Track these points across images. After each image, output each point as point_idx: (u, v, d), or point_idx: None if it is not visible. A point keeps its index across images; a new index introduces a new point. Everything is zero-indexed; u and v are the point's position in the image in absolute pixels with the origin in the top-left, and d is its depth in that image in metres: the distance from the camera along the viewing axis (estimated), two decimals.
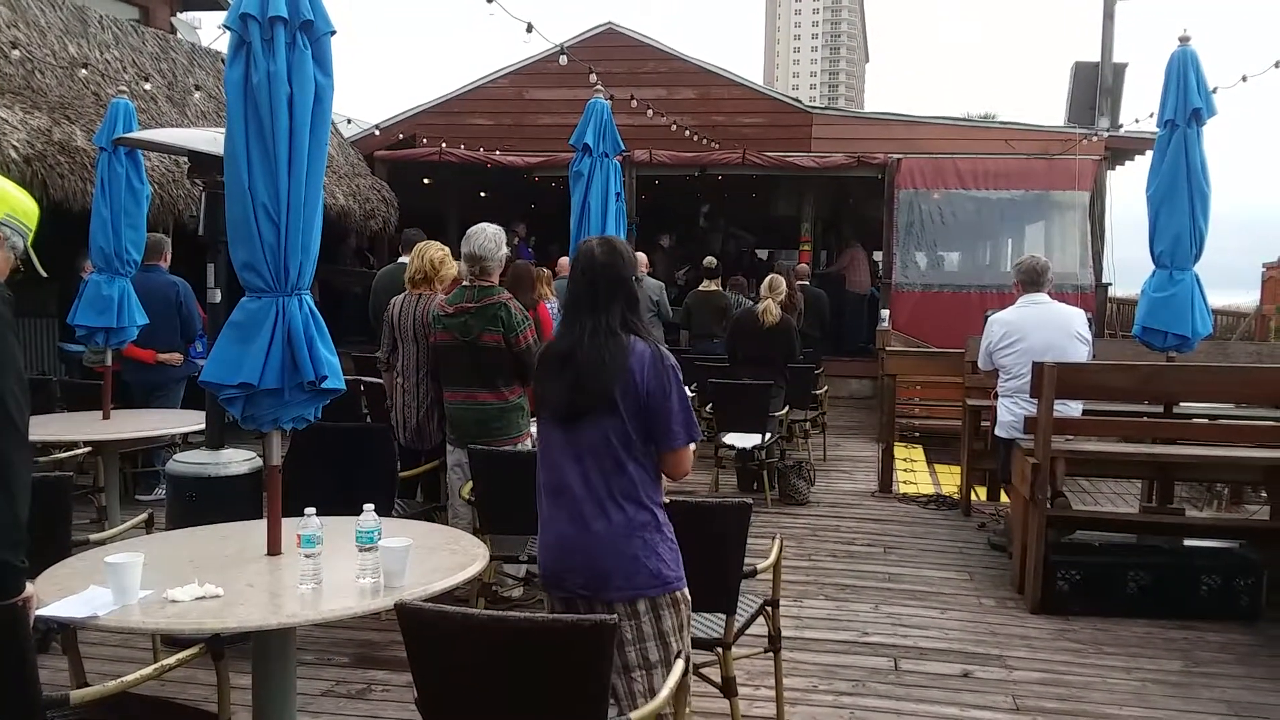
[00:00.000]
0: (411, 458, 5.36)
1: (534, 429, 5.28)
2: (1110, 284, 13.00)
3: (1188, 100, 5.61)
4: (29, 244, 2.47)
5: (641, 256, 9.73)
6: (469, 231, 4.90)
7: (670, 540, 2.76)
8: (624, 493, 2.68)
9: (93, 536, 3.91)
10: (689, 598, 2.79)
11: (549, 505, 2.78)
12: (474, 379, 4.87)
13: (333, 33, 3.08)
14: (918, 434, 10.23)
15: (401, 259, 7.24)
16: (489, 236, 4.85)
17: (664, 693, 2.54)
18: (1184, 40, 5.72)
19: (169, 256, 7.30)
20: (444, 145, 13.59)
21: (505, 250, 4.97)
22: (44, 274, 2.51)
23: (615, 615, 2.44)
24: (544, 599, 2.89)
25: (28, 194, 2.51)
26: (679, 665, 2.65)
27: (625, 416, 2.65)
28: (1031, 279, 5.87)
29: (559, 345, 2.79)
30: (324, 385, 3.09)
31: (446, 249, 5.48)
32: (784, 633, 3.94)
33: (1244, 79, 8.44)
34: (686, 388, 3.53)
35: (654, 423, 2.68)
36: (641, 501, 2.69)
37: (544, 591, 2.87)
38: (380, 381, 6.32)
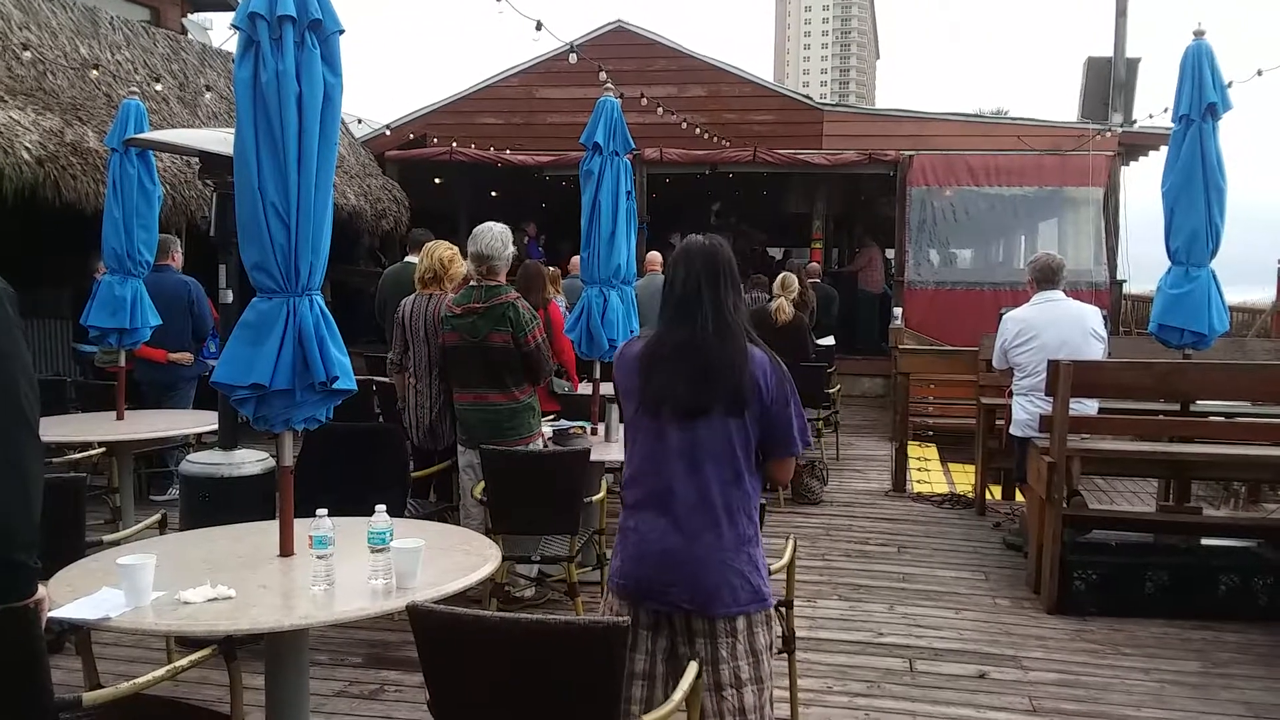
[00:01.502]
0: (425, 458, 5.36)
1: (547, 429, 5.29)
2: (1125, 280, 12.93)
3: (1203, 95, 5.56)
4: None
5: (654, 254, 9.72)
6: (476, 231, 4.88)
7: (764, 556, 2.66)
8: (738, 505, 2.56)
9: (106, 537, 3.91)
10: (774, 616, 2.70)
11: (647, 514, 2.59)
12: (483, 379, 4.86)
13: (341, 32, 3.07)
14: (931, 433, 10.18)
15: (408, 258, 7.25)
16: (496, 235, 4.83)
17: (677, 695, 2.51)
18: (1199, 34, 5.67)
19: (179, 256, 7.32)
20: (454, 145, 13.61)
21: (512, 249, 4.95)
22: None
23: (628, 619, 2.42)
24: (618, 608, 2.64)
25: None
26: (692, 666, 2.63)
27: (749, 423, 2.54)
28: (1046, 276, 5.83)
29: (674, 337, 2.58)
30: (335, 386, 3.08)
31: (455, 248, 5.48)
32: (798, 633, 3.92)
33: (1259, 73, 8.37)
34: None
35: (775, 430, 2.57)
36: (750, 515, 2.60)
37: (623, 601, 2.64)
38: (391, 381, 6.33)
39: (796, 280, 8.16)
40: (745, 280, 11.01)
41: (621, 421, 3.60)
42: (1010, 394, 6.00)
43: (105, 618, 2.50)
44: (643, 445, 2.62)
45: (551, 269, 8.12)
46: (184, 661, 2.71)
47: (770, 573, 3.53)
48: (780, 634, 3.74)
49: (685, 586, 2.54)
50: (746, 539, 2.58)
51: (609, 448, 5.41)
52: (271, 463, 4.36)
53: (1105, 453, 5.64)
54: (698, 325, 2.56)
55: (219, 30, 17.99)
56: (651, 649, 2.62)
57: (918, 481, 8.31)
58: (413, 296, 5.33)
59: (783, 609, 3.73)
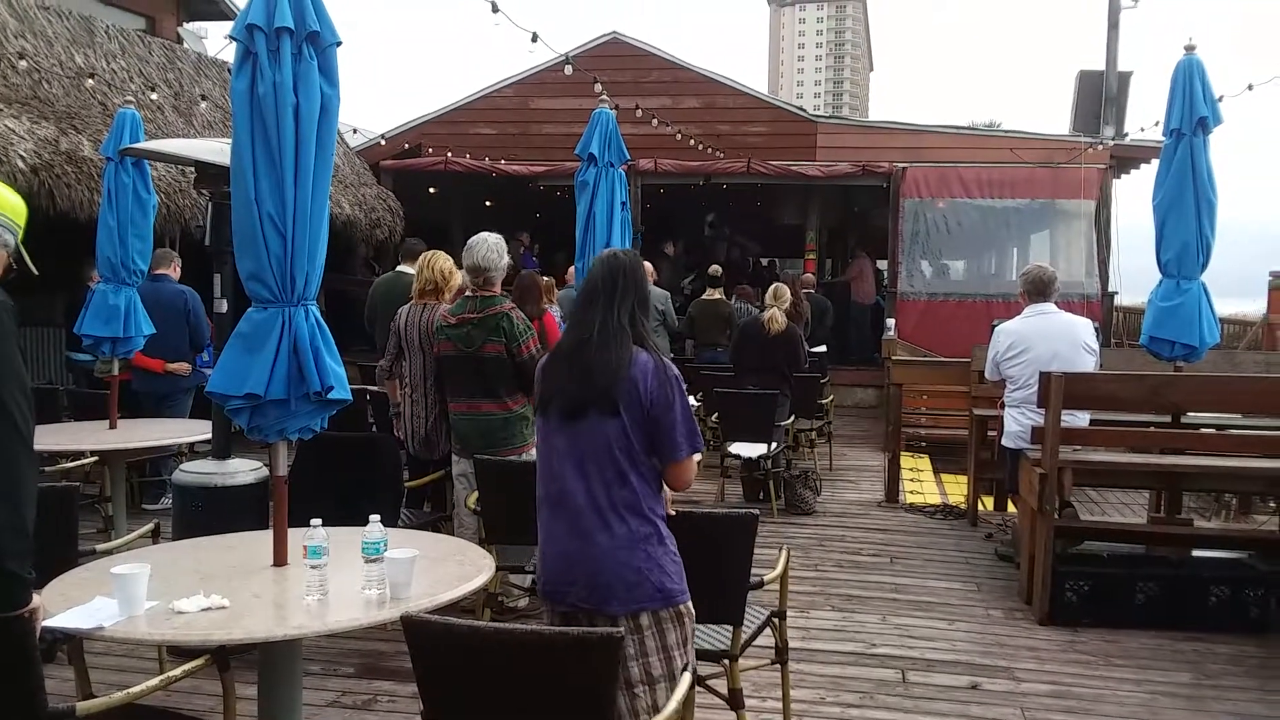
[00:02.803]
0: (421, 468, 5.36)
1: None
2: (1116, 293, 12.97)
3: (1194, 109, 5.60)
4: (20, 241, 2.47)
5: (648, 265, 9.74)
6: (470, 242, 4.90)
7: (673, 553, 2.73)
8: (627, 505, 2.65)
9: (99, 546, 3.92)
10: (693, 611, 2.77)
11: (549, 517, 2.75)
12: (477, 389, 4.87)
13: (338, 44, 3.09)
14: (924, 443, 10.20)
15: (400, 268, 7.25)
16: (491, 246, 4.85)
17: (671, 705, 2.52)
18: (1190, 49, 5.71)
19: (179, 267, 7.33)
20: (449, 155, 13.64)
21: (507, 259, 4.97)
22: (35, 272, 2.50)
23: (621, 628, 2.44)
24: (544, 612, 2.85)
25: (13, 191, 2.51)
26: (685, 678, 2.64)
27: (628, 425, 2.63)
28: (1038, 289, 5.85)
29: (568, 340, 2.79)
30: (330, 395, 3.09)
31: (452, 259, 5.49)
32: (791, 644, 3.92)
33: (1250, 87, 8.45)
34: (691, 397, 3.53)
35: (658, 433, 2.66)
36: (644, 514, 2.67)
37: (543, 603, 2.83)
38: (383, 391, 6.33)
39: (789, 290, 8.18)
40: (731, 291, 11.03)
41: None
42: (1003, 405, 6.02)
43: (99, 627, 2.50)
44: (540, 447, 2.79)
45: (546, 279, 8.12)
46: (177, 671, 2.71)
47: (764, 583, 3.57)
48: (774, 645, 3.78)
49: (582, 585, 2.67)
50: (642, 537, 2.66)
51: None
52: (265, 472, 4.35)
53: (1097, 464, 5.66)
54: (585, 329, 2.72)
55: (214, 39, 18.00)
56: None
57: (910, 492, 8.32)
58: (408, 306, 5.34)
59: (775, 620, 3.74)
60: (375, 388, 6.76)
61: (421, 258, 5.50)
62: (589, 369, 2.66)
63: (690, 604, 2.76)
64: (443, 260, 5.39)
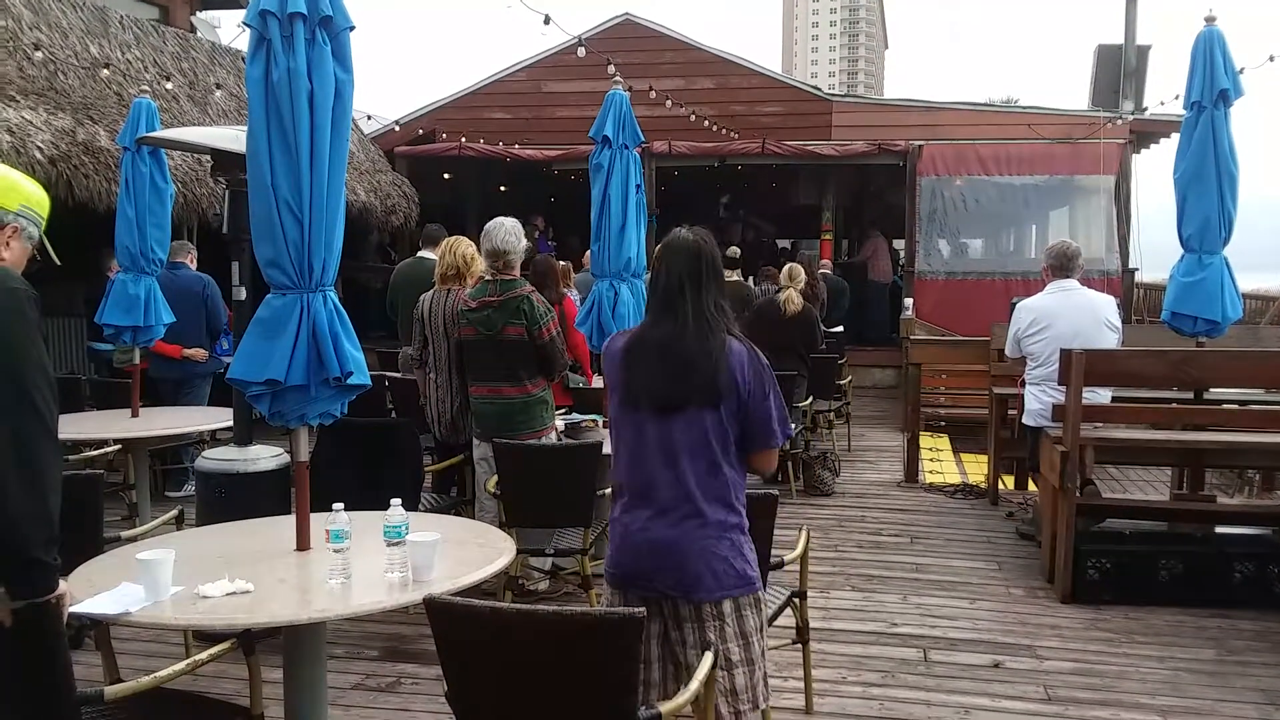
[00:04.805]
0: (447, 452, 5.39)
1: (560, 423, 5.31)
2: (1137, 269, 12.86)
3: (1214, 81, 5.53)
4: (43, 233, 2.49)
5: None
6: (488, 227, 4.90)
7: (750, 542, 2.72)
8: (717, 495, 2.63)
9: (124, 533, 3.95)
10: (765, 599, 2.77)
11: (632, 504, 2.67)
12: (498, 373, 4.88)
13: (352, 28, 3.08)
14: (943, 423, 10.15)
15: (421, 253, 7.26)
16: (508, 230, 4.85)
17: (693, 685, 2.53)
18: (1210, 20, 5.64)
19: (194, 259, 7.39)
20: (463, 140, 13.62)
21: (525, 242, 4.98)
22: (58, 262, 2.52)
23: (643, 609, 2.44)
24: (612, 597, 2.75)
25: (36, 183, 2.54)
26: (707, 657, 2.64)
27: (725, 416, 2.59)
28: (1062, 264, 5.81)
29: (656, 332, 2.67)
30: (350, 381, 3.10)
31: (474, 245, 5.49)
32: (812, 624, 3.93)
33: (1271, 59, 8.32)
34: None
35: (754, 423, 2.62)
36: (732, 504, 2.66)
37: (615, 589, 2.73)
38: (403, 376, 6.35)
39: (804, 271, 8.14)
40: (755, 273, 11.01)
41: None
42: (1023, 383, 5.99)
43: (125, 612, 2.53)
44: (625, 439, 2.71)
45: (563, 263, 8.11)
46: (203, 655, 2.73)
47: (784, 564, 3.57)
48: (795, 625, 3.78)
49: (670, 573, 2.63)
50: (729, 526, 2.65)
51: None
52: (286, 458, 4.38)
53: (1118, 441, 5.63)
54: (678, 322, 2.64)
55: (228, 28, 18.04)
56: (645, 634, 2.66)
57: (930, 472, 8.30)
58: (431, 292, 5.34)
59: (796, 600, 3.75)
60: (393, 373, 6.80)
61: (444, 243, 5.50)
62: (689, 361, 2.59)
63: (763, 591, 2.75)
64: (465, 245, 5.39)
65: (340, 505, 2.86)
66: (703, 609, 2.62)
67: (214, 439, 6.75)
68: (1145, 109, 12.59)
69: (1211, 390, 5.90)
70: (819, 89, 15.19)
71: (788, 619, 3.74)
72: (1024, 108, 14.77)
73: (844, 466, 7.99)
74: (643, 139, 5.89)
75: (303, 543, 3.09)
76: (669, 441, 2.61)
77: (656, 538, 2.63)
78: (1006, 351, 6.11)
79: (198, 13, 14.21)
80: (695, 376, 2.58)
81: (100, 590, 2.63)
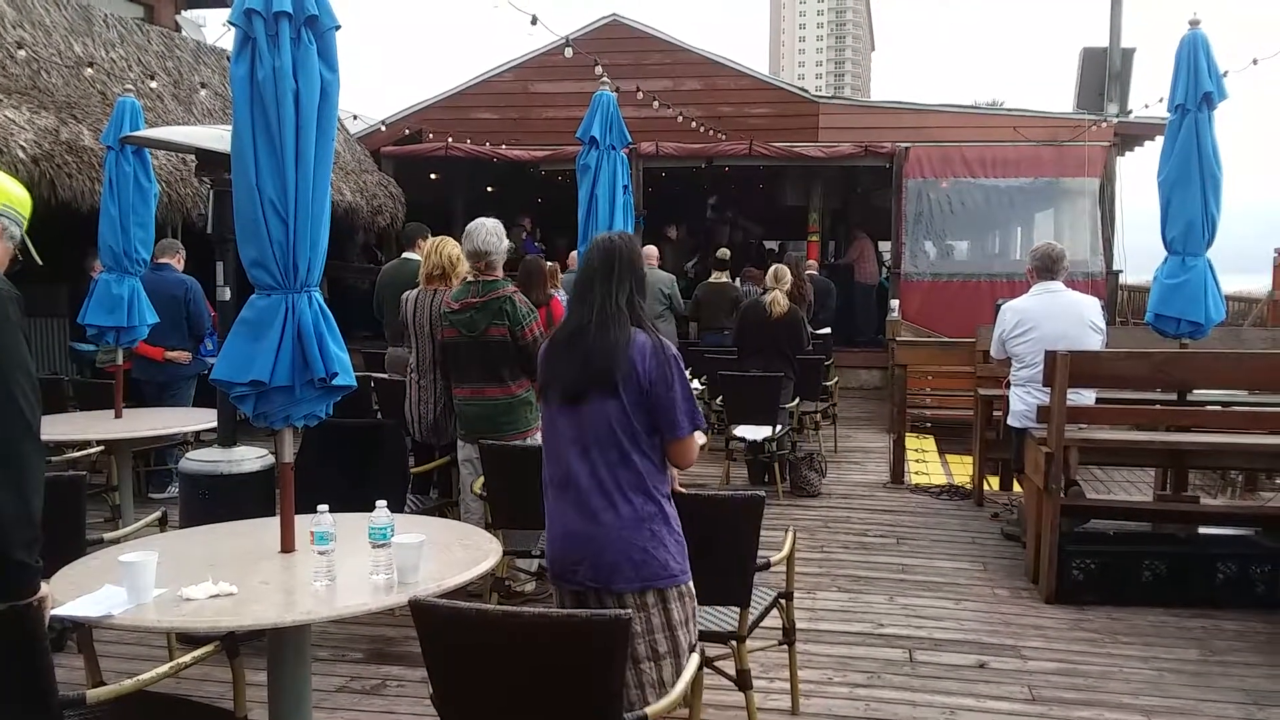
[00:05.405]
0: (427, 454, 5.36)
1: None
2: (1121, 271, 12.94)
3: (1198, 84, 5.56)
4: (25, 233, 2.48)
5: (651, 249, 9.71)
6: (469, 228, 4.89)
7: (677, 533, 2.76)
8: (631, 485, 2.68)
9: (106, 535, 3.92)
10: (694, 591, 2.80)
11: (555, 498, 2.79)
12: (481, 374, 4.86)
13: (337, 27, 3.07)
14: (929, 424, 10.20)
15: (405, 254, 7.24)
16: (490, 230, 4.84)
17: (680, 686, 2.53)
18: (1194, 24, 5.67)
19: (183, 259, 7.34)
20: (450, 140, 13.60)
21: (507, 243, 4.96)
22: (39, 262, 2.51)
23: (629, 610, 2.44)
24: (553, 592, 2.89)
25: (19, 183, 2.52)
26: (694, 659, 2.65)
27: (628, 406, 2.66)
28: (1046, 266, 5.83)
29: (567, 325, 2.81)
30: (335, 382, 3.09)
31: (459, 245, 5.47)
32: (798, 625, 3.93)
33: (1255, 62, 8.39)
34: (696, 380, 3.55)
35: (659, 413, 2.69)
36: (649, 493, 2.70)
37: (553, 584, 2.87)
38: (389, 377, 6.33)
39: (790, 272, 8.14)
40: (739, 274, 11.01)
41: None
42: (1008, 385, 6.01)
43: (108, 615, 2.50)
44: (544, 431, 2.83)
45: (550, 264, 8.10)
46: (187, 658, 2.72)
47: (770, 565, 3.58)
48: (781, 626, 3.79)
49: (588, 565, 2.70)
50: (647, 515, 2.69)
51: None
52: (271, 459, 4.36)
53: (1102, 442, 5.65)
54: (584, 313, 2.75)
55: (213, 27, 17.92)
56: None
57: (916, 473, 8.32)
58: (415, 292, 5.31)
59: (783, 601, 3.75)
60: (379, 374, 6.77)
61: (429, 243, 5.48)
62: (588, 352, 2.69)
63: (691, 585, 2.79)
64: (451, 246, 5.37)
65: (325, 507, 2.84)
66: (624, 600, 2.67)
67: (198, 440, 6.72)
68: (1130, 112, 12.67)
69: (1195, 391, 5.94)
70: (806, 90, 15.22)
71: (774, 620, 3.74)
72: (1010, 110, 14.84)
73: (830, 468, 8.01)
74: (630, 140, 5.90)
75: (287, 544, 3.07)
76: (580, 432, 2.70)
77: (575, 529, 2.71)
78: (992, 353, 6.13)
79: (182, 11, 14.14)
80: (594, 364, 2.68)
81: (83, 592, 2.61)
